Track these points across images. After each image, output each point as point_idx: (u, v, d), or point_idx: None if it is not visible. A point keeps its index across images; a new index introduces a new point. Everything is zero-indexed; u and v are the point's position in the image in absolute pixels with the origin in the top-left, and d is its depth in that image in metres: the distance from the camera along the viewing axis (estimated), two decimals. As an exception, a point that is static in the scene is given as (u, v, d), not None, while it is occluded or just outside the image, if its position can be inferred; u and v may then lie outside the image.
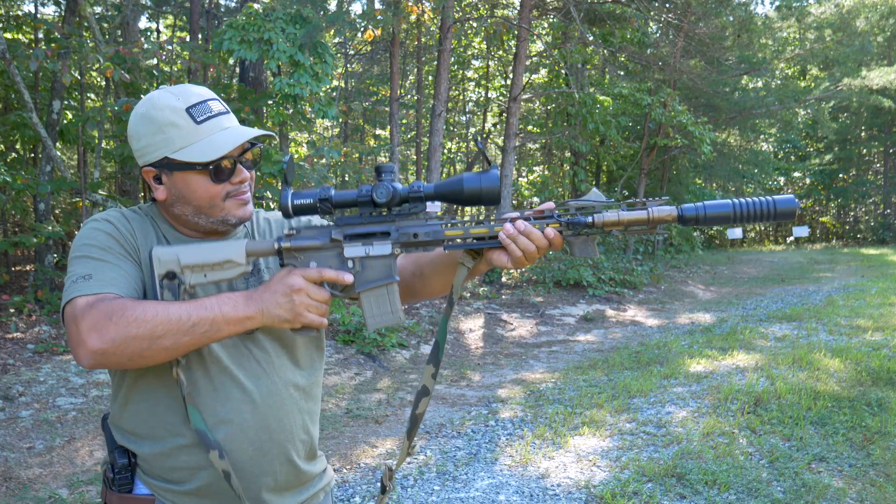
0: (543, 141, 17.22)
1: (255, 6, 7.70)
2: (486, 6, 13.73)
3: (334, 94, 11.38)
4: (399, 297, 1.28)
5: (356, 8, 20.48)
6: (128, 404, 1.32)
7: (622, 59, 14.32)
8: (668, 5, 13.69)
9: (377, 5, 11.91)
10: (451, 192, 1.23)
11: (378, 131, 17.63)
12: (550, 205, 1.24)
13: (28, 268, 10.68)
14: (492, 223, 1.24)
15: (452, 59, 14.58)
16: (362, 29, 9.14)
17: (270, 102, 8.41)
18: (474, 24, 13.78)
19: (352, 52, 15.62)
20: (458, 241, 1.25)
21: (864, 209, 26.83)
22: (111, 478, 1.32)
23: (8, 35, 9.44)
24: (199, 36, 9.93)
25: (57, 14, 12.09)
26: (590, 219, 1.21)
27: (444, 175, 19.52)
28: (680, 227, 1.18)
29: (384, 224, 1.25)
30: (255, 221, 1.49)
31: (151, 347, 1.14)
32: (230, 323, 1.18)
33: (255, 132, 1.30)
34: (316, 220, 1.50)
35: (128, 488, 1.32)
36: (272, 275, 1.34)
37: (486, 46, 16.46)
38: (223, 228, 1.35)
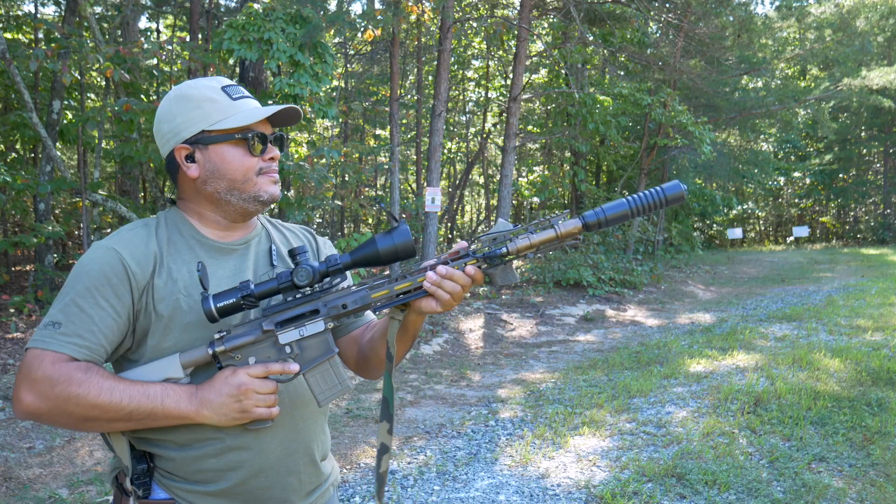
0: (543, 141, 17.22)
1: (255, 6, 7.70)
2: (486, 6, 13.73)
3: (334, 94, 11.38)
4: (343, 368, 1.33)
5: (356, 8, 20.50)
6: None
7: (622, 59, 14.32)
8: (668, 5, 13.69)
9: (377, 5, 11.92)
10: (368, 256, 1.28)
11: (378, 131, 17.64)
12: (464, 244, 1.29)
13: (28, 268, 10.69)
14: (413, 275, 1.28)
15: (452, 59, 14.58)
16: (362, 29, 9.14)
17: (270, 102, 8.42)
18: (474, 24, 13.79)
19: (352, 52, 15.63)
20: (386, 300, 1.30)
21: (864, 209, 26.83)
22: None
23: (8, 35, 9.45)
24: (199, 36, 9.92)
25: (57, 14, 12.10)
26: (504, 248, 1.27)
27: (443, 174, 19.53)
28: (586, 233, 1.27)
29: (311, 303, 1.29)
30: (274, 229, 1.51)
31: (85, 425, 1.21)
32: (168, 417, 1.22)
33: (288, 105, 1.36)
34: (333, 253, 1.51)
35: (146, 493, 1.30)
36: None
37: (486, 46, 16.47)
38: (253, 208, 1.36)
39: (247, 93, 1.37)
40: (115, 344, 1.25)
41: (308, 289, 1.29)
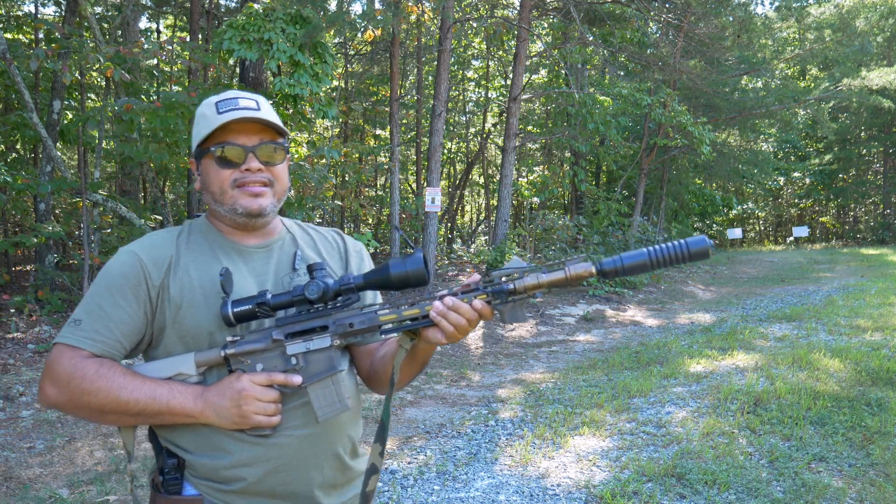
0: (543, 141, 17.22)
1: (255, 6, 7.70)
2: (486, 6, 13.74)
3: (334, 94, 11.38)
4: (347, 385, 1.35)
5: (356, 8, 20.48)
6: (175, 425, 1.35)
7: (622, 59, 14.32)
8: (668, 5, 13.69)
9: (377, 5, 11.91)
10: (381, 279, 1.30)
11: (378, 131, 17.64)
12: (476, 277, 1.30)
13: (28, 268, 10.69)
14: (423, 303, 1.29)
15: (452, 59, 14.58)
16: (362, 29, 9.14)
17: (270, 102, 8.41)
18: (474, 24, 13.79)
19: (352, 52, 15.63)
20: (394, 324, 1.31)
21: (863, 209, 26.85)
22: (161, 482, 1.33)
23: (8, 35, 9.45)
24: (199, 36, 9.93)
25: (57, 14, 12.10)
26: (511, 286, 1.27)
27: (443, 174, 19.53)
28: (601, 279, 1.26)
29: (321, 319, 1.32)
30: (302, 231, 1.52)
31: (101, 417, 1.28)
32: (174, 415, 1.28)
33: (258, 114, 1.34)
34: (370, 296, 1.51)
35: (177, 489, 1.33)
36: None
37: (486, 46, 16.48)
38: (241, 220, 1.38)
39: (241, 104, 1.35)
40: (134, 340, 1.32)
41: (321, 304, 1.30)
